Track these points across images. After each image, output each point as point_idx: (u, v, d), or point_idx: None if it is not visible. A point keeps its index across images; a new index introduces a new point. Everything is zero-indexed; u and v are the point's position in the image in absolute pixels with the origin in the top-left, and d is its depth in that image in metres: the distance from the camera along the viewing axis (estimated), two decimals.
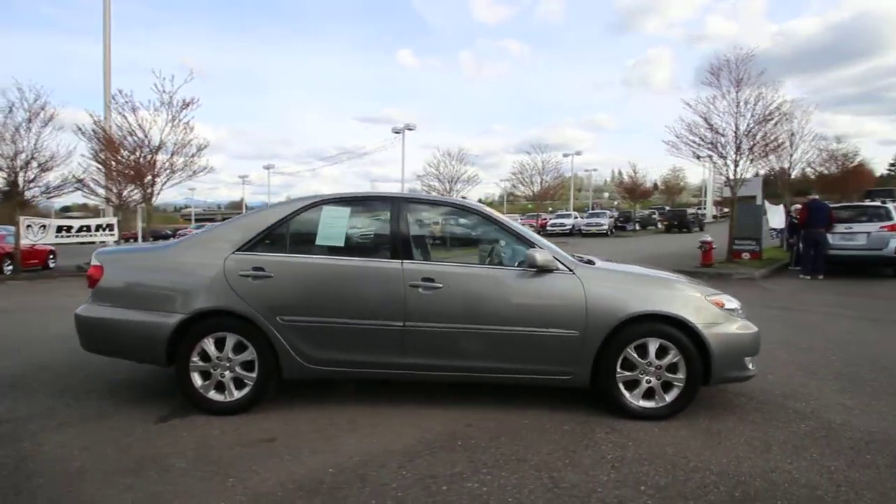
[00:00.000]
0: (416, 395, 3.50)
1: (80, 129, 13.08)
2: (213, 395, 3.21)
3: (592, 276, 3.22)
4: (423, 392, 3.54)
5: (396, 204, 3.39)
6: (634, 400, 3.15)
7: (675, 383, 3.14)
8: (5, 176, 12.31)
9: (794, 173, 18.66)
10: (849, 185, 23.49)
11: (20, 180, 12.34)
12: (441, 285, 3.15)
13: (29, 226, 13.17)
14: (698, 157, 13.17)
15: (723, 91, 11.93)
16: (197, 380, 3.20)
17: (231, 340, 3.20)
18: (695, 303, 3.20)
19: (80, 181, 13.38)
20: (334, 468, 2.54)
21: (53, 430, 3.04)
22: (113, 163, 12.90)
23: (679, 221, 32.11)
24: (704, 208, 47.46)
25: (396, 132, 31.13)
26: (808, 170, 20.86)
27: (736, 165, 12.08)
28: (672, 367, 3.13)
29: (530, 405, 3.35)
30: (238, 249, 3.27)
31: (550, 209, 40.10)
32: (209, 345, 3.19)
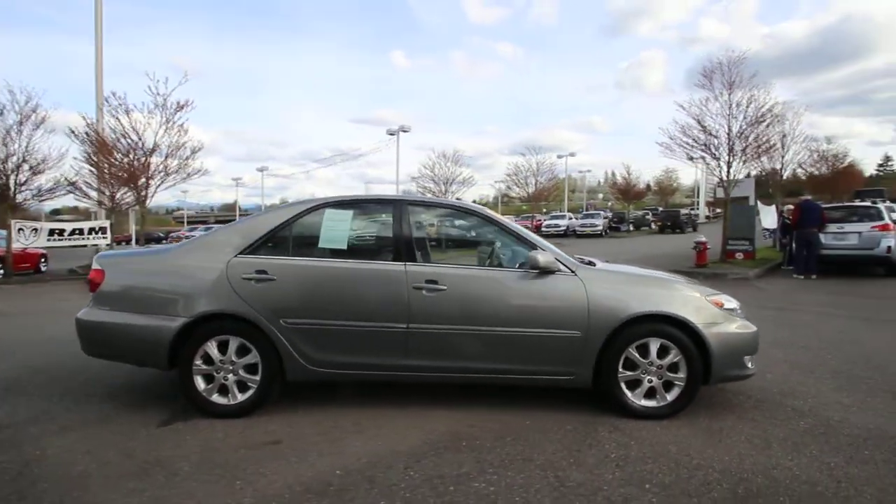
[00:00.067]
0: (419, 396, 3.52)
1: (72, 131, 12.98)
2: (216, 398, 3.20)
3: (594, 278, 3.25)
4: (426, 394, 3.55)
5: (399, 206, 3.40)
6: (636, 399, 3.18)
7: (676, 382, 3.17)
8: None
9: (786, 174, 18.86)
10: (839, 185, 23.77)
11: (11, 183, 12.22)
12: (444, 287, 3.17)
13: (20, 229, 13.04)
14: (692, 159, 13.32)
15: (715, 93, 12.06)
16: (200, 383, 3.19)
17: (234, 343, 3.19)
18: (694, 303, 3.24)
19: (72, 184, 13.27)
20: (341, 470, 2.55)
21: (55, 434, 3.03)
22: (106, 165, 12.80)
23: (672, 222, 32.36)
24: (697, 209, 47.83)
25: (391, 134, 31.19)
26: (799, 171, 21.08)
27: (729, 167, 12.21)
28: (673, 367, 3.17)
29: (532, 406, 3.37)
30: (241, 252, 3.27)
31: (545, 210, 40.24)
32: (212, 348, 3.18)
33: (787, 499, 2.29)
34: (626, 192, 38.20)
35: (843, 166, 24.43)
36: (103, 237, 14.39)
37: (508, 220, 3.64)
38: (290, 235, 3.40)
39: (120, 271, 3.42)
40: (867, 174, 43.81)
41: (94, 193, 13.92)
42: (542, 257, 3.17)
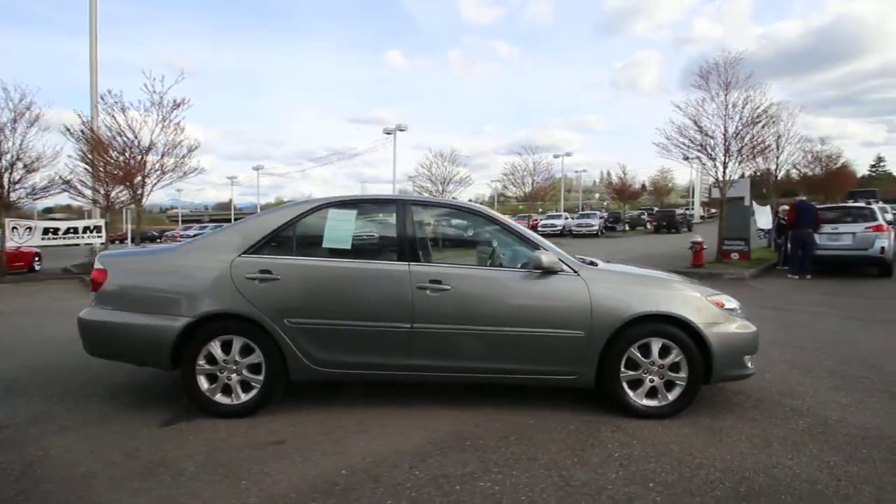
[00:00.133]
0: (423, 396, 3.53)
1: (67, 129, 12.88)
2: (219, 398, 3.20)
3: (596, 278, 3.27)
4: (429, 393, 3.56)
5: (402, 206, 3.41)
6: (638, 399, 3.21)
7: (678, 382, 3.20)
8: None
9: (780, 174, 19.03)
10: (832, 186, 24.02)
11: (5, 181, 12.12)
12: (448, 287, 3.18)
13: (14, 228, 12.94)
14: (688, 159, 13.39)
15: (712, 94, 12.15)
16: (203, 383, 3.19)
17: (238, 343, 3.19)
18: (695, 303, 3.27)
19: (66, 182, 13.17)
20: (346, 469, 2.56)
21: (56, 434, 3.02)
22: (101, 164, 12.71)
23: (668, 222, 32.50)
24: (692, 209, 48.07)
25: (388, 133, 31.15)
26: (793, 171, 21.28)
27: (725, 167, 12.28)
28: (674, 367, 3.19)
29: (536, 405, 3.39)
30: (244, 252, 3.27)
31: (541, 210, 40.33)
32: (215, 348, 3.18)
33: (789, 497, 2.32)
34: (622, 191, 38.41)
35: (837, 167, 24.67)
36: (98, 236, 14.29)
37: (511, 221, 3.65)
38: (293, 235, 3.40)
39: (122, 271, 3.41)
40: (860, 175, 44.26)
41: (88, 192, 13.82)
42: (545, 257, 3.19)
